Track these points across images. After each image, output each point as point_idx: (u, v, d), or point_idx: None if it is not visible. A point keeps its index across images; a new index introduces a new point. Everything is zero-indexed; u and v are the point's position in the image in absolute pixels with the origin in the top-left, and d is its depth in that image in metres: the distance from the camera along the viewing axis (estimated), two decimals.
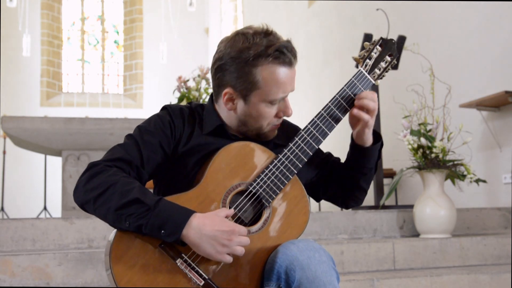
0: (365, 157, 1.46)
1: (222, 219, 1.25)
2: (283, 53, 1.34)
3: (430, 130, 3.29)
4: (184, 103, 4.90)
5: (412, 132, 3.27)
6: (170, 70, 9.07)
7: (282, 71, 1.35)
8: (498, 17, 4.50)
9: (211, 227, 1.22)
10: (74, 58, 11.24)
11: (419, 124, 3.31)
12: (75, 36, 11.37)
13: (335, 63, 7.09)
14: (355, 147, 1.47)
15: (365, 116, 1.38)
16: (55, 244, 2.70)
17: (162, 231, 1.20)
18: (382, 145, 1.49)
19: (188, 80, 5.04)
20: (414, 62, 4.39)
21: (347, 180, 1.51)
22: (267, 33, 1.36)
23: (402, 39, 4.07)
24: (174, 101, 5.27)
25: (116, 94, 11.16)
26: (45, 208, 7.19)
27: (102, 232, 2.73)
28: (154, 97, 10.50)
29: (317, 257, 1.25)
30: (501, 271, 2.68)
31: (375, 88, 4.13)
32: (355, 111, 1.39)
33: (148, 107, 10.51)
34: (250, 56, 1.33)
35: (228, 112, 1.44)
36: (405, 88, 3.89)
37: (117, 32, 11.59)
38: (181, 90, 4.99)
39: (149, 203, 1.22)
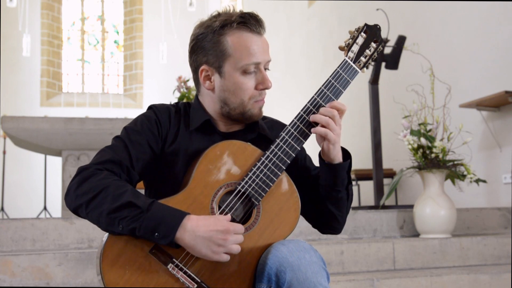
0: (330, 177, 1.39)
1: (216, 219, 1.23)
2: (247, 18, 1.38)
3: (430, 130, 3.29)
4: None
5: (412, 132, 3.26)
6: (170, 70, 9.05)
7: (249, 37, 1.37)
8: (498, 17, 4.50)
9: (205, 227, 1.21)
10: (74, 58, 11.22)
11: (419, 124, 3.31)
12: (75, 36, 11.35)
13: (335, 63, 7.07)
14: (322, 163, 1.41)
15: (321, 130, 1.33)
16: (55, 244, 2.70)
17: (156, 234, 1.20)
18: (350, 165, 1.42)
19: (188, 80, 5.04)
20: (414, 62, 4.39)
21: (317, 200, 1.45)
22: (231, 10, 1.42)
23: (402, 39, 4.06)
24: (174, 101, 5.26)
25: (116, 94, 11.14)
26: (45, 208, 7.19)
27: (102, 232, 2.72)
28: (154, 97, 10.47)
29: (308, 258, 1.24)
30: (501, 271, 2.68)
31: (376, 86, 4.13)
32: (313, 129, 1.34)
33: None
34: (216, 27, 1.38)
35: (209, 96, 1.44)
36: (405, 88, 3.89)
37: (117, 32, 11.57)
38: (181, 90, 4.99)
39: (142, 206, 1.21)
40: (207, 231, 1.21)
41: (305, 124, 1.36)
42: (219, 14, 1.41)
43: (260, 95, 1.41)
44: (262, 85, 1.40)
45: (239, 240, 1.24)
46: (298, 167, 1.50)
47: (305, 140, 1.37)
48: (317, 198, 1.45)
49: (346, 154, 1.43)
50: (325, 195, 1.43)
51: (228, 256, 1.23)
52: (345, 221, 1.50)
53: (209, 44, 1.39)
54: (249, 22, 1.37)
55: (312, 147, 1.58)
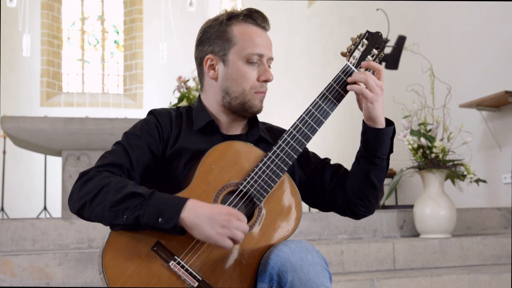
0: (376, 143, 1.40)
1: (219, 204, 1.26)
2: (253, 13, 1.45)
3: (430, 130, 3.29)
4: (184, 103, 4.90)
5: (412, 132, 3.27)
6: (170, 70, 9.04)
7: (254, 29, 1.44)
8: (498, 17, 4.50)
9: (208, 208, 1.23)
10: (74, 58, 11.21)
11: (419, 124, 3.31)
12: (75, 36, 11.34)
13: (335, 63, 7.08)
14: (366, 130, 1.42)
15: (356, 88, 1.37)
16: (55, 244, 2.70)
17: (160, 219, 1.21)
18: (394, 132, 1.44)
19: (188, 80, 5.04)
20: (414, 62, 4.39)
21: (356, 176, 1.45)
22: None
23: (402, 39, 4.07)
24: (174, 101, 5.26)
25: (116, 94, 11.13)
26: (45, 208, 7.18)
27: (102, 232, 2.73)
28: (154, 97, 10.47)
29: (310, 259, 1.24)
30: (501, 271, 2.69)
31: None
32: (349, 86, 1.39)
33: (148, 107, 10.45)
34: (223, 18, 1.45)
35: (212, 87, 1.46)
36: (405, 88, 3.89)
37: (117, 32, 11.56)
38: (181, 90, 4.98)
39: (145, 194, 1.24)
40: (210, 211, 1.22)
41: (307, 126, 1.38)
42: (226, 10, 1.48)
43: (261, 86, 1.44)
44: (264, 77, 1.43)
45: (243, 227, 1.23)
46: (312, 162, 1.54)
47: (307, 142, 1.38)
48: (355, 176, 1.45)
49: (388, 124, 1.44)
50: (370, 165, 1.43)
51: (231, 242, 1.22)
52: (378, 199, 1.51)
53: (215, 34, 1.45)
54: (255, 16, 1.44)
55: (315, 148, 1.58)
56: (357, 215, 1.51)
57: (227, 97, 1.44)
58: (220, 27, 1.44)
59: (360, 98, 1.40)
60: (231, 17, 1.44)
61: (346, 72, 1.42)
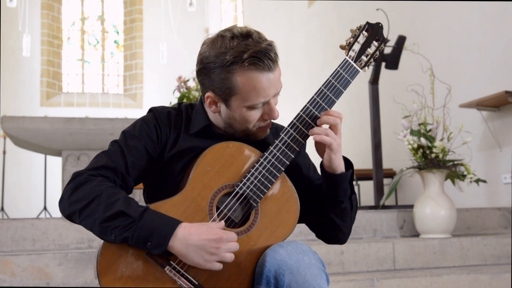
0: (335, 187, 1.38)
1: (209, 227, 1.22)
2: (259, 58, 1.28)
3: (430, 130, 3.29)
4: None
5: (412, 132, 3.27)
6: (170, 70, 9.04)
7: (259, 77, 1.29)
8: (498, 17, 4.50)
9: (197, 236, 1.20)
10: (74, 58, 11.22)
11: (419, 124, 3.31)
12: (75, 36, 11.35)
13: (335, 63, 7.06)
14: (323, 174, 1.39)
15: (324, 138, 1.32)
16: (55, 244, 2.70)
17: (148, 243, 1.19)
18: (352, 176, 1.41)
19: (188, 80, 5.04)
20: (414, 62, 4.39)
21: (318, 214, 1.43)
22: (245, 36, 1.30)
23: (402, 39, 4.06)
24: (174, 101, 5.26)
25: (116, 94, 11.14)
26: (45, 208, 7.19)
27: None
28: (154, 97, 10.48)
29: (306, 261, 1.23)
30: (501, 271, 2.69)
31: (376, 86, 4.13)
32: (315, 137, 1.32)
33: (148, 107, 10.46)
34: (226, 62, 1.29)
35: (215, 116, 1.42)
36: (405, 88, 3.89)
37: (117, 32, 11.57)
38: (181, 90, 4.99)
39: (134, 216, 1.20)
40: (200, 239, 1.20)
41: (305, 125, 1.34)
42: (230, 42, 1.30)
43: (265, 122, 1.39)
44: (268, 116, 1.37)
45: (232, 248, 1.22)
46: (302, 176, 1.48)
47: (305, 142, 1.35)
48: (321, 209, 1.43)
49: (347, 164, 1.41)
50: (328, 205, 1.41)
51: (221, 264, 1.22)
52: (350, 232, 1.47)
53: (217, 77, 1.32)
54: (261, 61, 1.28)
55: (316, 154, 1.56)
56: (328, 243, 1.52)
57: (230, 129, 1.40)
58: (221, 72, 1.30)
59: (321, 147, 1.36)
60: (234, 62, 1.28)
61: (346, 67, 1.38)
